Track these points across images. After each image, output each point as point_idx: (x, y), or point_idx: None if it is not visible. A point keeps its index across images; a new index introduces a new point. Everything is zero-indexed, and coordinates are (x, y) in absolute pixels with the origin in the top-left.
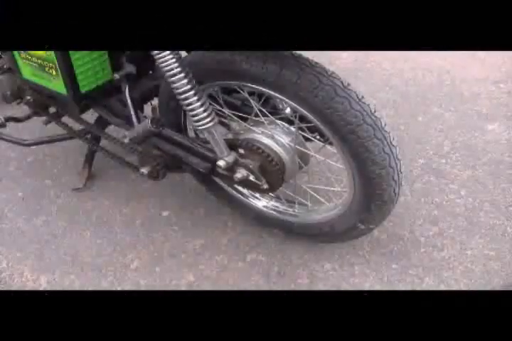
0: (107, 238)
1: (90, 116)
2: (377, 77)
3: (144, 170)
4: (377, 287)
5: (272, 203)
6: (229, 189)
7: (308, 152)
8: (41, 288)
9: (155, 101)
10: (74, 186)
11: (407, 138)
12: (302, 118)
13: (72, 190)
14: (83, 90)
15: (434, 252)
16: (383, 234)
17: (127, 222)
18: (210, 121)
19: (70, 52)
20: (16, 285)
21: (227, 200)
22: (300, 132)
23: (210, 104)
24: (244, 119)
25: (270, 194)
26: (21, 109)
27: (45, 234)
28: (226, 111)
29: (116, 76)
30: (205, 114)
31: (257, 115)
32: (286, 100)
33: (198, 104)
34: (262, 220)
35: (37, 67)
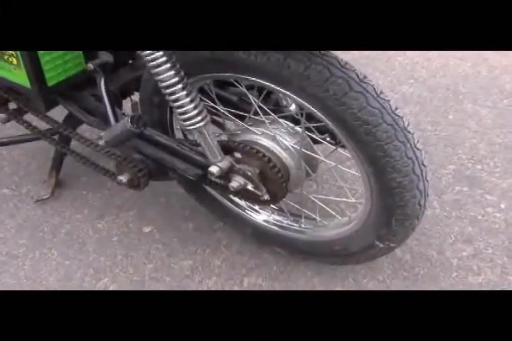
0: (77, 259)
1: (58, 113)
2: (399, 68)
3: (123, 178)
4: None
5: (274, 217)
6: (223, 200)
7: (317, 157)
8: None
9: (136, 96)
10: (38, 196)
11: (435, 140)
12: (310, 117)
13: (35, 201)
14: (50, 82)
15: (468, 277)
16: (407, 255)
17: (102, 240)
18: (201, 120)
19: None
20: None
21: (221, 213)
22: (307, 133)
23: (201, 99)
24: (242, 118)
25: (272, 206)
26: None
27: (2, 254)
28: (220, 108)
29: (90, 66)
30: (195, 112)
31: (256, 113)
32: (291, 95)
33: (187, 99)
34: (262, 237)
35: None
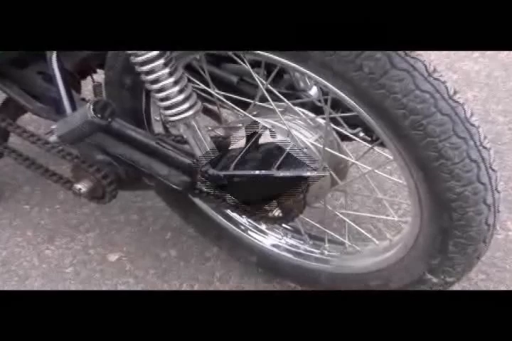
0: None
1: None
2: None
3: (82, 187)
4: None
5: (287, 240)
6: (218, 217)
7: (347, 158)
8: None
9: (99, 76)
10: None
11: (510, 136)
12: (337, 105)
13: None
14: None
15: None
16: None
17: (51, 271)
18: (188, 108)
19: None
20: None
21: (215, 235)
22: (333, 126)
23: (189, 80)
24: (244, 105)
25: (284, 226)
26: None
27: None
28: (215, 92)
29: None
30: (180, 97)
31: (264, 99)
32: (312, 75)
33: (171, 80)
34: (270, 268)
35: None
